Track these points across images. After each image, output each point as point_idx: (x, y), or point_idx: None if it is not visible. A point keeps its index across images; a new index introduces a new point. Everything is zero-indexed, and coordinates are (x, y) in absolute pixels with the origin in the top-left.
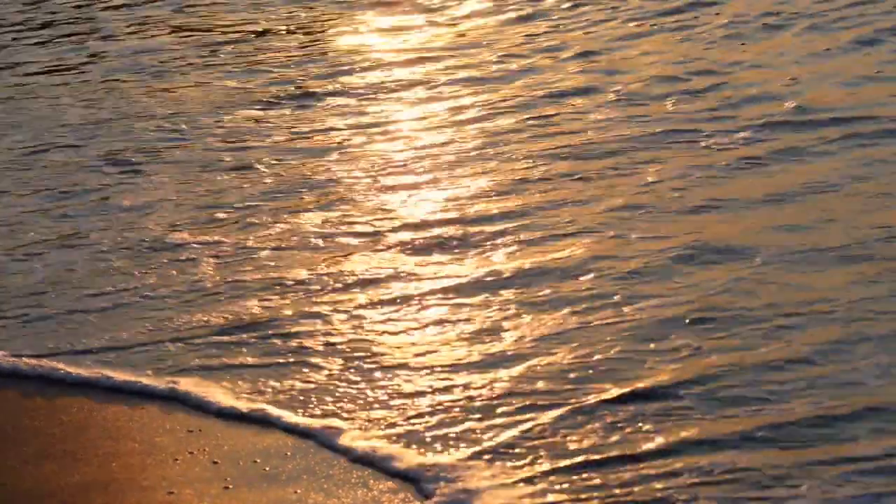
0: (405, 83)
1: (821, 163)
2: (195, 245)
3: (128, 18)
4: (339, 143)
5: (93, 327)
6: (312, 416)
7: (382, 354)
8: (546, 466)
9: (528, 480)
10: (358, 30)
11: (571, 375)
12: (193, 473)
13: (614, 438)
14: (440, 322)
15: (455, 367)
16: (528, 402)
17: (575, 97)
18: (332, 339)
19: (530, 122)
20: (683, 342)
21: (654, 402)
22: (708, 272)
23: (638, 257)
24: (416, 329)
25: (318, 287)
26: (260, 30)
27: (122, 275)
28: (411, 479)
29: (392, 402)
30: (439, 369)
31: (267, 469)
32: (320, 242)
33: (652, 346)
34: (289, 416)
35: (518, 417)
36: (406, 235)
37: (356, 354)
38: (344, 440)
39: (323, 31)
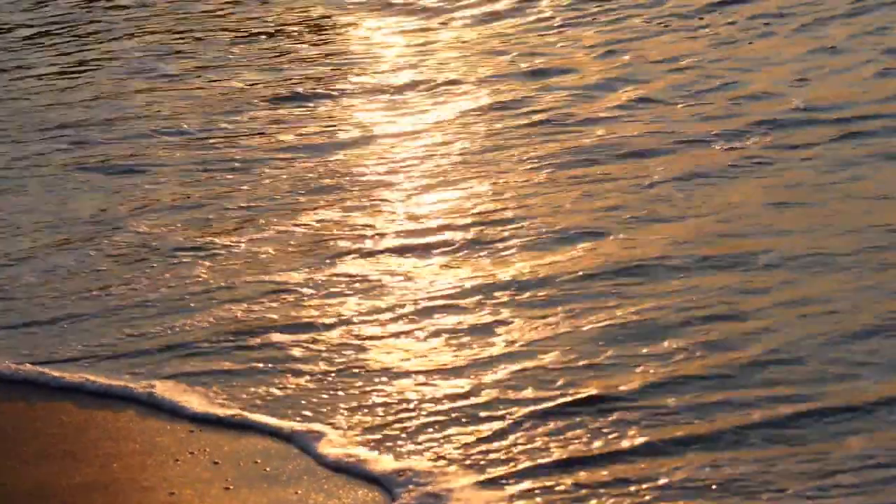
0: (410, 84)
1: (826, 162)
2: (188, 247)
3: (136, 20)
4: (343, 144)
5: (78, 333)
6: (291, 419)
7: (367, 359)
8: (520, 470)
9: (501, 484)
10: (367, 31)
11: (556, 381)
12: (194, 474)
13: (593, 443)
14: (431, 327)
15: (439, 372)
16: (509, 408)
17: (583, 96)
18: (317, 345)
19: (537, 122)
20: (677, 345)
21: (636, 408)
22: (711, 276)
23: (638, 259)
24: (404, 334)
25: (309, 291)
26: (270, 30)
27: (112, 279)
28: (382, 483)
29: (371, 407)
30: (423, 374)
31: (267, 470)
32: (315, 246)
33: (644, 350)
34: (266, 420)
35: (497, 424)
36: (401, 240)
37: (340, 359)
38: (320, 445)
39: (329, 34)
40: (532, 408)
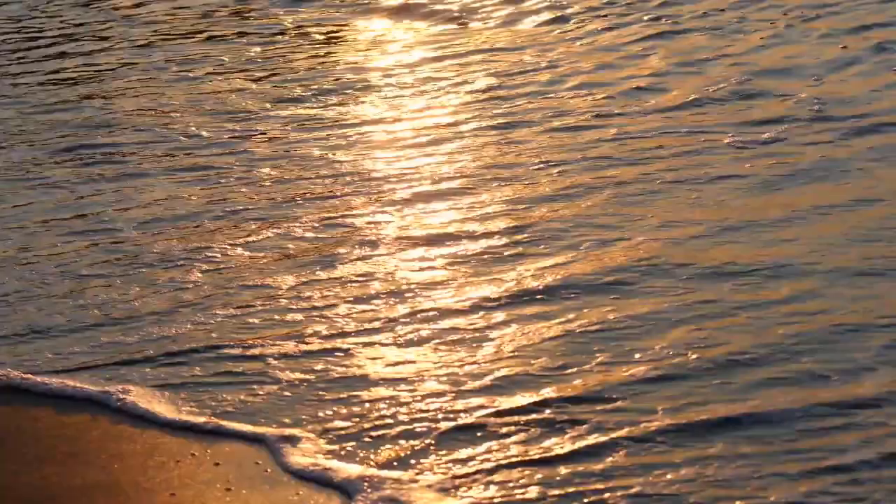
0: (419, 88)
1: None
2: (177, 252)
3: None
4: (349, 145)
5: (57, 340)
6: (264, 426)
7: (348, 366)
8: (483, 479)
9: (463, 491)
10: (381, 35)
11: (538, 391)
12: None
13: (562, 449)
14: (417, 335)
15: (420, 380)
16: (482, 417)
17: (598, 98)
18: (297, 352)
19: (551, 122)
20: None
21: (612, 410)
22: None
23: (643, 269)
24: (389, 341)
25: (294, 297)
26: (277, 32)
27: (97, 286)
28: (343, 489)
29: (346, 415)
30: (403, 382)
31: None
32: (309, 253)
33: (623, 357)
34: (238, 427)
35: (470, 433)
36: (398, 247)
37: (320, 366)
38: (288, 451)
39: (339, 37)
40: (502, 421)
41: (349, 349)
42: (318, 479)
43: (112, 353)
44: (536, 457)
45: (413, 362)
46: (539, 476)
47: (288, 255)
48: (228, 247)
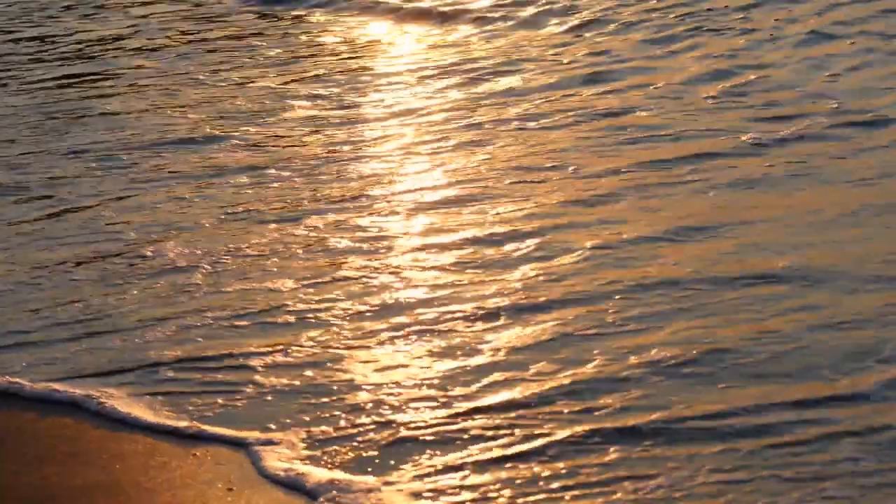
0: (431, 93)
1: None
2: (171, 255)
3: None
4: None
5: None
6: (247, 430)
7: (336, 371)
8: (456, 483)
9: (432, 495)
10: (395, 39)
11: (519, 398)
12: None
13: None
14: (410, 341)
15: (408, 385)
16: (468, 423)
17: (615, 95)
18: (286, 358)
19: (572, 122)
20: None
21: (596, 407)
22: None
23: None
24: (381, 345)
25: (287, 300)
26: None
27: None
28: (311, 493)
29: (326, 420)
30: (387, 387)
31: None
32: (302, 259)
33: (625, 373)
34: (220, 431)
35: (450, 442)
36: (394, 253)
37: (304, 373)
38: (266, 456)
39: (350, 39)
40: (482, 430)
41: (339, 355)
42: (288, 483)
43: (95, 358)
44: (509, 465)
45: (400, 367)
46: (513, 482)
47: (284, 259)
48: (226, 250)
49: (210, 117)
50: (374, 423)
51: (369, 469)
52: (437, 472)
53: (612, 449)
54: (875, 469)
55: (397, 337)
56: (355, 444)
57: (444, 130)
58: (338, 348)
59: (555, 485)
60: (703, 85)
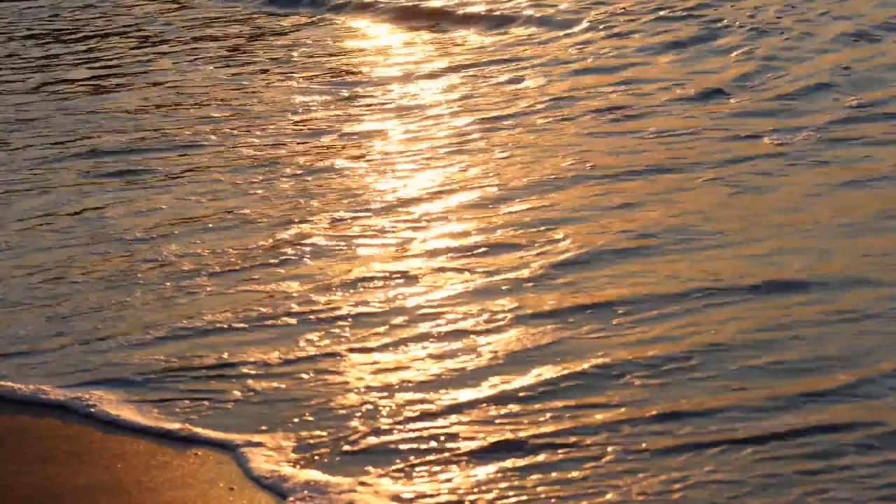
0: (440, 97)
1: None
2: (173, 258)
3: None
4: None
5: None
6: (233, 433)
7: (328, 373)
8: (437, 486)
9: (407, 498)
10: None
11: (506, 406)
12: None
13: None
14: (406, 343)
15: (398, 389)
16: (452, 431)
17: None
18: (279, 361)
19: (595, 119)
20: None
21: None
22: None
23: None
24: (380, 348)
25: (282, 303)
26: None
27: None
28: (281, 493)
29: (314, 423)
30: (386, 389)
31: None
32: (296, 265)
33: (614, 371)
34: (208, 433)
35: (433, 444)
36: (393, 257)
37: (295, 377)
38: (252, 458)
39: (361, 41)
40: (466, 436)
41: (334, 358)
42: (267, 485)
43: (86, 360)
44: (494, 468)
45: (391, 371)
46: (495, 487)
47: (284, 262)
48: (227, 252)
49: (217, 119)
50: (362, 425)
51: (351, 470)
52: (417, 475)
53: (609, 449)
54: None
55: (392, 341)
56: (340, 446)
57: (455, 131)
58: (335, 351)
59: (537, 487)
60: (729, 85)
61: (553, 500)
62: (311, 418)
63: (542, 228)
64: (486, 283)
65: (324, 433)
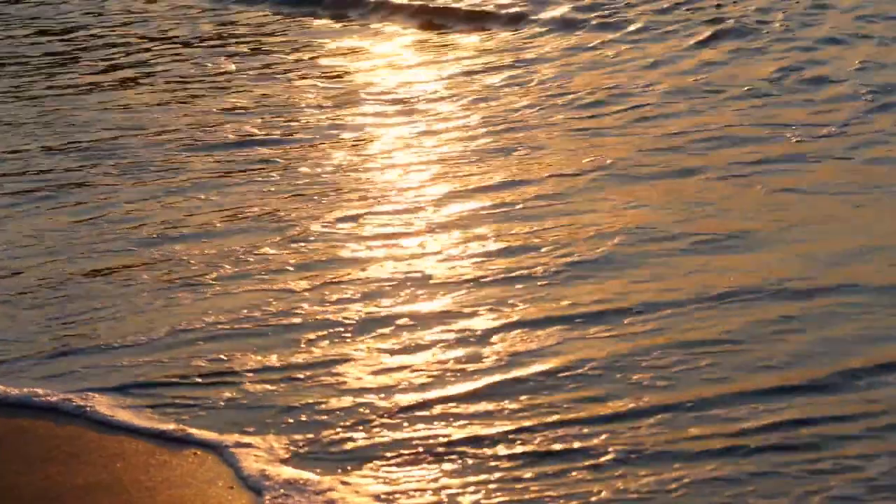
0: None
1: None
2: (175, 259)
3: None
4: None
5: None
6: (224, 434)
7: (324, 375)
8: (415, 486)
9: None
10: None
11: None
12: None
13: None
14: (405, 344)
15: (391, 390)
16: (443, 432)
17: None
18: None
19: (618, 115)
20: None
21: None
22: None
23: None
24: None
25: (281, 304)
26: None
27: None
28: (256, 489)
29: (305, 424)
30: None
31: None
32: (291, 271)
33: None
34: (199, 434)
35: (423, 446)
36: (392, 259)
37: (290, 378)
38: (244, 459)
39: (371, 43)
40: (451, 438)
41: (331, 360)
42: (252, 485)
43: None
44: (493, 469)
45: (386, 373)
46: (478, 490)
47: (285, 263)
48: (232, 254)
49: (227, 120)
50: (356, 427)
51: (335, 469)
52: (403, 474)
53: (609, 449)
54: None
55: (392, 342)
56: (329, 447)
57: (467, 132)
58: (332, 353)
59: (518, 486)
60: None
61: (544, 499)
62: (304, 419)
63: (557, 227)
64: (497, 284)
65: (314, 434)
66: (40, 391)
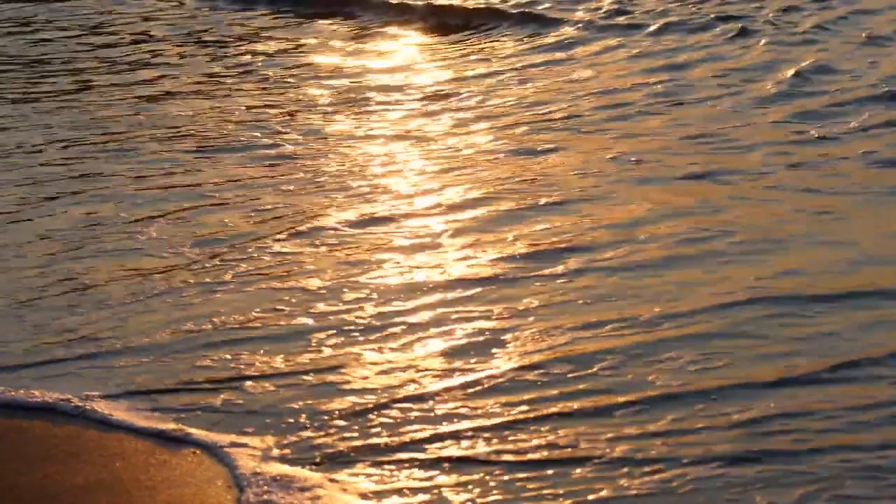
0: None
1: None
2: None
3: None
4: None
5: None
6: (220, 434)
7: (322, 376)
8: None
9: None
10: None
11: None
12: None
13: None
14: (406, 346)
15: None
16: (439, 432)
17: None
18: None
19: (640, 115)
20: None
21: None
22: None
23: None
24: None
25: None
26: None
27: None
28: (241, 486)
29: (300, 425)
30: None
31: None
32: (288, 272)
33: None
34: (198, 434)
35: (412, 452)
36: (391, 261)
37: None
38: (240, 459)
39: (375, 45)
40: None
41: (329, 361)
42: (239, 483)
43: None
44: (485, 468)
45: (384, 374)
46: (473, 490)
47: (285, 268)
48: (235, 257)
49: (238, 120)
50: (350, 426)
51: (330, 469)
52: (393, 472)
53: (609, 447)
54: None
55: (392, 344)
56: (323, 447)
57: (485, 135)
58: (330, 354)
59: (507, 486)
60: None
61: (534, 499)
62: (298, 420)
63: (580, 234)
64: (511, 285)
65: (311, 434)
66: (39, 392)
